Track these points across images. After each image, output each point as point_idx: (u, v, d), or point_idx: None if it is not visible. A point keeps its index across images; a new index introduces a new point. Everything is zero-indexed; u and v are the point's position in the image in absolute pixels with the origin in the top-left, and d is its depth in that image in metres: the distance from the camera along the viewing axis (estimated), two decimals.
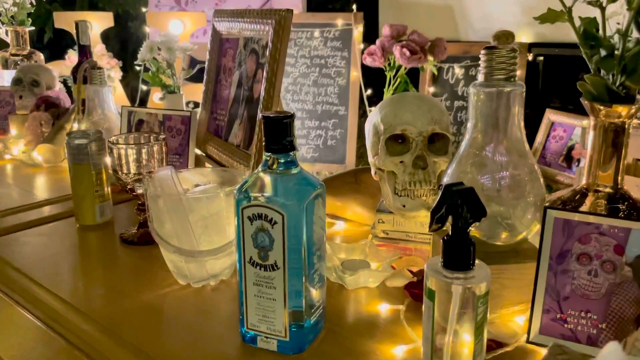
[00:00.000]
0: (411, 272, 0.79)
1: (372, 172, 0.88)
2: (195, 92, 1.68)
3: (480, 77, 0.67)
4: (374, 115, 0.85)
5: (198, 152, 1.28)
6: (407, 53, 1.92)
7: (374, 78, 2.13)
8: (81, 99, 1.39)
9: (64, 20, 2.08)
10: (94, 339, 0.69)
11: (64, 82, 1.93)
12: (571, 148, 2.92)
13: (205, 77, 1.28)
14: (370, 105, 2.06)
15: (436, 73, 3.03)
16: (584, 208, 0.72)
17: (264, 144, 0.61)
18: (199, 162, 1.28)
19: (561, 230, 0.63)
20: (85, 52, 1.43)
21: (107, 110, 1.38)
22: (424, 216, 0.81)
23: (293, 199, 0.60)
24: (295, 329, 0.63)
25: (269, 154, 0.61)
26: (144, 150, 0.90)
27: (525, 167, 0.68)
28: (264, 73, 1.00)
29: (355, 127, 2.04)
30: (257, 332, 0.64)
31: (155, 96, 2.59)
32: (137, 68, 2.62)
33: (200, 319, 0.72)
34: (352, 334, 0.68)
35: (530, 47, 3.18)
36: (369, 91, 2.05)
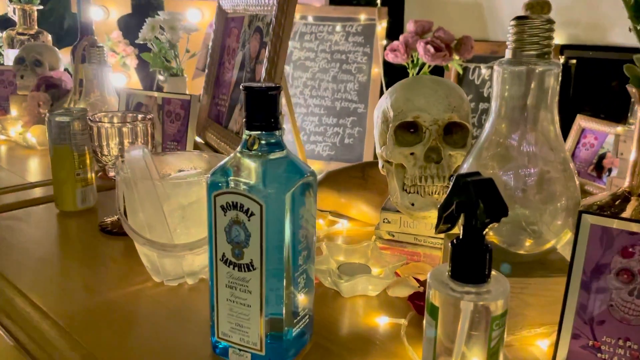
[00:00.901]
0: (417, 280, 0.68)
1: (380, 165, 0.78)
2: None
3: (508, 54, 0.56)
4: (384, 100, 0.75)
5: (197, 139, 1.19)
6: (432, 50, 1.82)
7: (395, 75, 2.05)
8: (79, 79, 1.31)
9: None
10: (45, 340, 0.60)
11: None
12: (602, 157, 2.75)
13: (208, 59, 1.19)
14: None
15: (461, 72, 2.91)
16: (625, 215, 0.61)
17: (244, 120, 0.52)
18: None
19: (598, 240, 0.52)
20: (86, 30, 1.35)
21: (105, 91, 1.30)
22: (435, 217, 0.70)
23: (274, 186, 0.50)
24: (272, 341, 0.53)
25: (249, 132, 0.51)
26: (126, 130, 0.81)
27: (557, 163, 0.57)
28: (266, 52, 0.91)
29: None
30: (229, 343, 0.55)
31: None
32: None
33: (171, 324, 0.63)
34: (343, 349, 0.58)
35: (563, 49, 3.03)
36: None
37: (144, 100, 1.23)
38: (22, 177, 1.14)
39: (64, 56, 1.72)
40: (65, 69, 1.77)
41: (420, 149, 0.69)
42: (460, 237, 0.41)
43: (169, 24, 1.19)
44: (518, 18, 0.55)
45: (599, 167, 2.72)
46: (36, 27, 1.78)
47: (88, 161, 0.92)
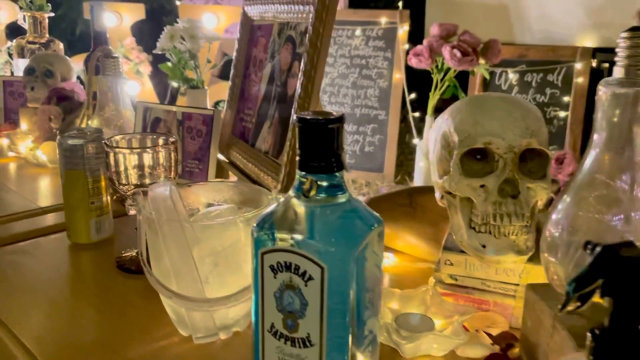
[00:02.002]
0: (490, 336, 0.58)
1: (437, 195, 0.68)
2: (225, 90, 1.51)
3: (618, 72, 0.46)
4: (444, 121, 0.65)
5: (221, 157, 1.09)
6: (458, 54, 1.71)
7: (418, 81, 1.95)
8: (92, 92, 1.22)
9: None
10: None
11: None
12: None
13: (232, 70, 1.09)
14: (413, 111, 1.88)
15: (488, 78, 2.79)
16: None
17: (298, 158, 0.42)
18: (221, 170, 1.09)
19: None
20: (100, 39, 1.26)
21: (121, 105, 1.21)
22: (512, 262, 0.59)
23: (339, 243, 0.40)
24: None
25: (305, 174, 0.41)
26: (147, 156, 0.72)
27: None
28: (301, 65, 0.81)
29: (396, 133, 1.87)
30: None
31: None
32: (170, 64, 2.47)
33: None
34: None
35: (595, 52, 2.88)
36: (412, 95, 1.87)
37: (163, 115, 1.14)
38: (32, 200, 1.05)
39: (77, 64, 1.63)
40: (78, 77, 1.69)
41: (493, 180, 0.59)
42: (606, 326, 0.31)
43: (189, 32, 1.10)
44: (634, 29, 0.44)
45: None
46: (47, 35, 1.69)
47: (104, 187, 0.82)
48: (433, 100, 2.60)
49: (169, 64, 1.16)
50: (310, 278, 0.40)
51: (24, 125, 1.44)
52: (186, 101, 1.21)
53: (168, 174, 0.74)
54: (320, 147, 0.40)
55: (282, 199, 0.44)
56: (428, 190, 0.81)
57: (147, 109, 1.16)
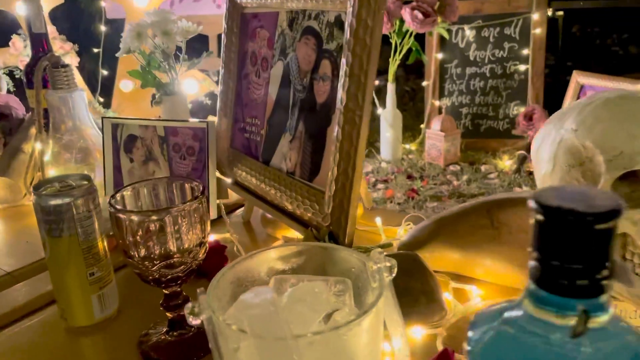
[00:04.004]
0: None
1: None
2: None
3: None
4: (568, 131, 0.50)
5: (225, 179, 0.91)
6: (420, 16, 1.56)
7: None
8: (42, 110, 0.99)
9: None
10: None
11: (10, 74, 1.52)
12: None
13: (222, 70, 0.90)
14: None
15: (447, 37, 2.66)
16: None
17: (535, 275, 0.26)
18: (219, 192, 0.91)
19: None
20: (40, 43, 1.02)
21: (80, 122, 0.99)
22: None
23: None
24: None
25: (558, 297, 0.26)
26: (170, 219, 0.53)
27: None
28: (343, 66, 0.63)
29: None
30: None
31: (123, 84, 2.15)
32: (95, 50, 2.18)
33: None
34: None
35: (550, 0, 2.79)
36: None
37: (138, 132, 0.93)
38: None
39: None
40: (6, 73, 1.43)
41: None
42: None
43: (161, 27, 0.89)
44: None
45: None
46: None
47: (102, 249, 0.63)
48: (393, 67, 2.44)
49: (140, 69, 0.94)
50: None
51: None
52: (162, 111, 1.00)
53: (201, 236, 0.55)
54: (592, 256, 0.25)
55: (489, 329, 0.28)
56: (507, 204, 0.67)
57: (117, 125, 0.94)
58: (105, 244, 0.64)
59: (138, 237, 0.53)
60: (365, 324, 0.39)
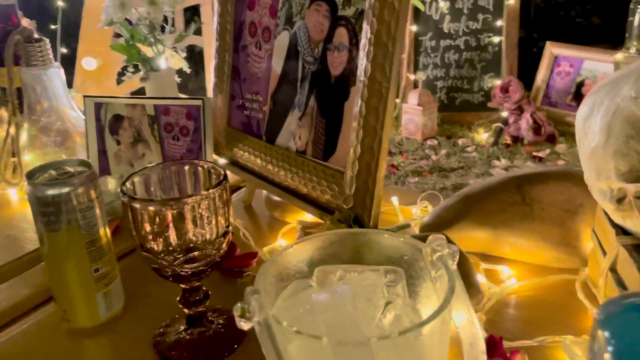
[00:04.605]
0: None
1: (611, 203, 0.50)
2: None
3: None
4: (625, 99, 0.47)
5: (220, 160, 0.85)
6: None
7: None
8: (15, 89, 0.90)
9: None
10: None
11: None
12: (580, 84, 2.55)
13: (216, 42, 0.83)
14: None
15: (422, 9, 2.61)
16: None
17: None
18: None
19: None
20: (8, 16, 0.93)
21: (58, 102, 0.91)
22: None
23: None
24: None
25: None
26: (189, 208, 0.47)
27: None
28: (366, 34, 0.58)
29: None
30: None
31: (86, 62, 2.03)
32: (52, 27, 2.04)
33: None
34: None
35: None
36: None
37: (125, 112, 0.86)
38: None
39: None
40: None
41: None
42: None
43: None
44: None
45: (578, 96, 2.52)
46: None
47: (106, 242, 0.57)
48: None
49: (123, 41, 0.87)
50: None
51: None
52: (148, 89, 0.92)
53: (225, 225, 0.50)
54: None
55: None
56: (538, 178, 0.64)
57: (100, 105, 0.87)
58: (109, 234, 0.57)
59: (155, 228, 0.47)
60: (440, 319, 0.35)
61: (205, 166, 0.53)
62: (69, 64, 2.03)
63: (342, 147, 0.65)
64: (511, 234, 0.63)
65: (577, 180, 0.61)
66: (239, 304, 0.35)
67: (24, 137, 0.91)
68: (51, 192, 0.52)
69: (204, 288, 0.53)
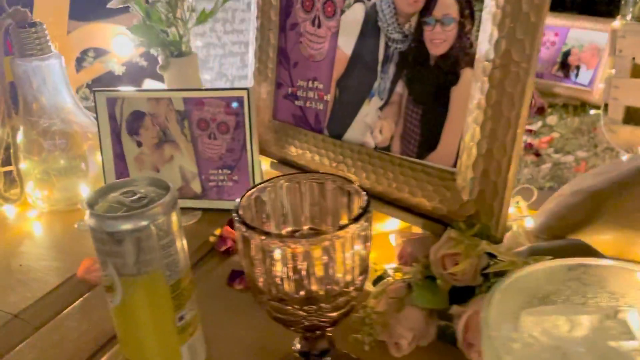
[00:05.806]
0: None
1: None
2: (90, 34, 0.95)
3: None
4: None
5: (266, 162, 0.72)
6: None
7: None
8: (7, 84, 0.74)
9: None
10: None
11: None
12: (567, 54, 2.50)
13: (258, 20, 0.70)
14: None
15: None
16: None
17: None
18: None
19: None
20: None
21: (58, 99, 0.77)
22: None
23: None
24: None
25: None
26: (341, 243, 0.35)
27: None
28: (499, 2, 0.47)
29: None
30: None
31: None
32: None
33: None
34: None
35: None
36: None
37: (147, 107, 0.72)
38: None
39: None
40: None
41: None
42: None
43: None
44: None
45: (565, 66, 2.47)
46: None
47: (187, 284, 0.44)
48: None
49: (139, 22, 0.72)
50: None
51: None
52: (167, 79, 0.78)
53: (366, 261, 0.38)
54: None
55: None
56: None
57: (115, 100, 0.72)
58: (189, 270, 0.45)
59: (288, 269, 0.35)
60: None
61: (336, 184, 0.41)
62: None
63: (447, 142, 0.54)
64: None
65: None
66: None
67: (18, 140, 0.76)
68: (125, 227, 0.39)
69: (329, 334, 0.42)
